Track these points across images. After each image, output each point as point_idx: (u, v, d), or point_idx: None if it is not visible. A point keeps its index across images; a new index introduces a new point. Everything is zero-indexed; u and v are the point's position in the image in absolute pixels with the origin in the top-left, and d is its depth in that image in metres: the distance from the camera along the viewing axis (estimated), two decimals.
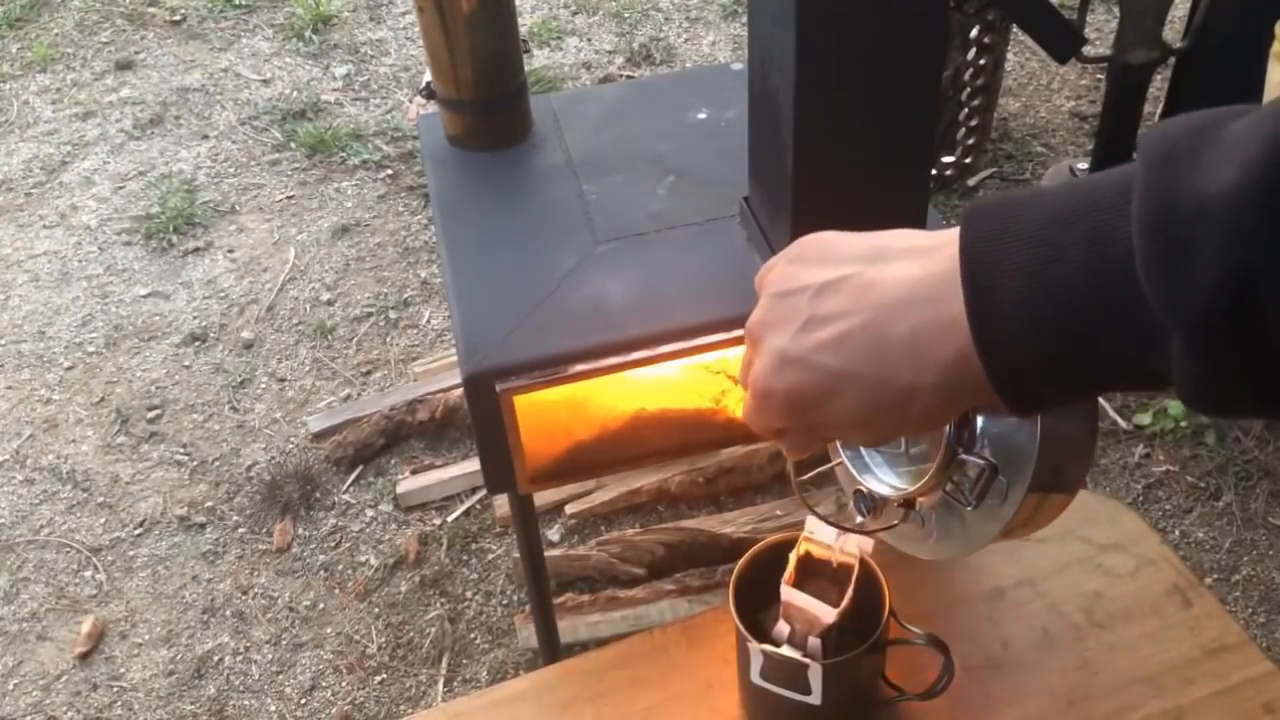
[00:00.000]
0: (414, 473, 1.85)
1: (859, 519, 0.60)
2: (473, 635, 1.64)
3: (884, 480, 0.58)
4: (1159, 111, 2.21)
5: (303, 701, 1.58)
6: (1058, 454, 0.51)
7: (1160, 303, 0.35)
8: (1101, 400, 1.82)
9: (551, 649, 1.38)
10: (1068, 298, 0.37)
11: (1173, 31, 2.31)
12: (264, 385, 2.04)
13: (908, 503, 0.57)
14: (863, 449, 0.58)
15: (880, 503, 0.59)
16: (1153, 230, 0.35)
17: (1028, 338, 0.38)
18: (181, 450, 1.93)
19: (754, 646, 0.65)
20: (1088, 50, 1.95)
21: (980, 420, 0.52)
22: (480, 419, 1.02)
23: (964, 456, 0.51)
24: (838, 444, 0.58)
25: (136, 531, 1.81)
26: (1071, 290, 0.37)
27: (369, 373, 2.05)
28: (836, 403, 0.45)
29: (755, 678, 0.67)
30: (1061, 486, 0.53)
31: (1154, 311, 0.35)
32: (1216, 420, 1.84)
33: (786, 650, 0.64)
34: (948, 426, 0.50)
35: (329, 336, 2.13)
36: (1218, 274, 0.33)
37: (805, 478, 0.61)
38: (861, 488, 0.58)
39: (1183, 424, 1.86)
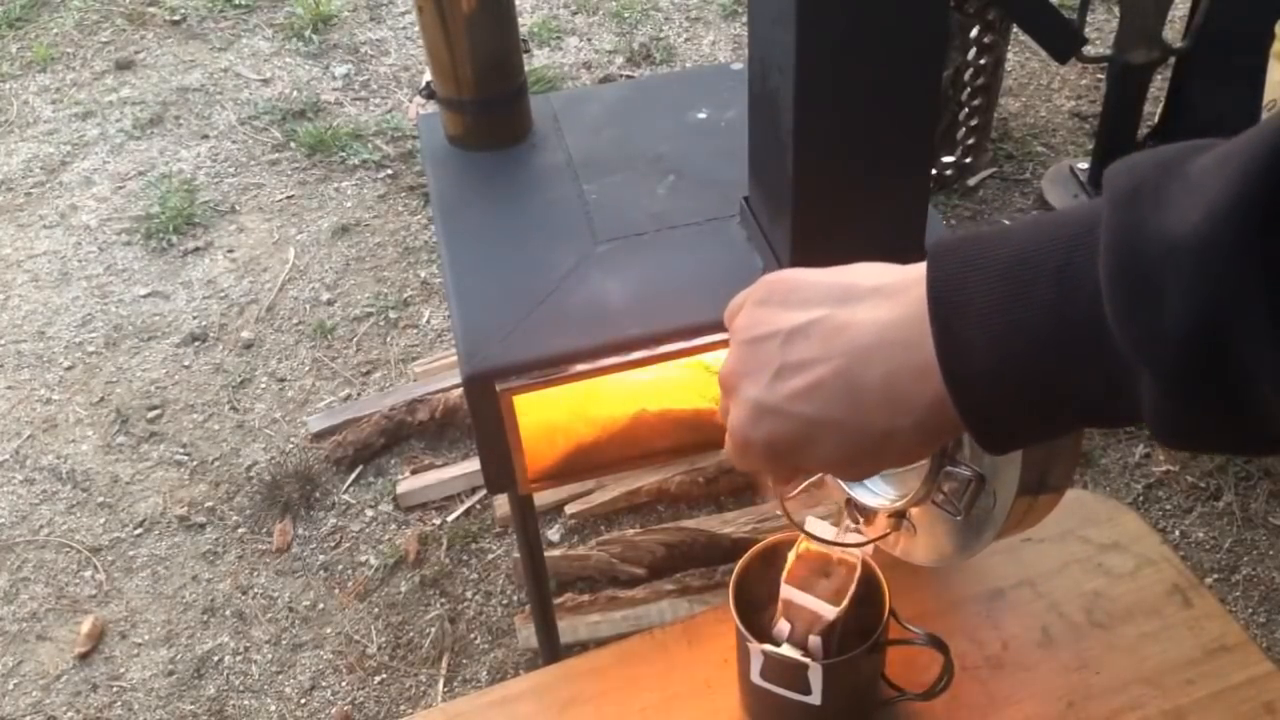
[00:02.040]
0: (414, 473, 1.85)
1: (850, 526, 0.60)
2: (473, 635, 1.64)
3: (873, 491, 0.58)
4: (1159, 111, 2.21)
5: (302, 701, 1.58)
6: (1043, 459, 0.51)
7: (1129, 346, 0.34)
8: None
9: (551, 649, 1.38)
10: (1036, 339, 0.37)
11: (1173, 31, 2.31)
12: (264, 385, 2.04)
13: (898, 513, 0.57)
14: None
15: (871, 513, 0.59)
16: (1120, 273, 0.34)
17: (998, 379, 0.38)
18: (181, 450, 1.93)
19: (754, 646, 0.65)
20: (1088, 50, 1.95)
21: None
22: (480, 419, 1.02)
23: (951, 468, 0.52)
24: None
25: (136, 531, 1.81)
26: (1040, 331, 0.37)
27: (369, 373, 2.05)
28: (815, 448, 0.45)
29: (755, 678, 0.67)
30: (1049, 488, 0.54)
31: (1123, 353, 0.35)
32: None
33: (786, 649, 0.64)
34: None
35: (329, 336, 2.13)
36: (1186, 319, 0.32)
37: (792, 495, 0.61)
38: (851, 499, 0.59)
39: None
